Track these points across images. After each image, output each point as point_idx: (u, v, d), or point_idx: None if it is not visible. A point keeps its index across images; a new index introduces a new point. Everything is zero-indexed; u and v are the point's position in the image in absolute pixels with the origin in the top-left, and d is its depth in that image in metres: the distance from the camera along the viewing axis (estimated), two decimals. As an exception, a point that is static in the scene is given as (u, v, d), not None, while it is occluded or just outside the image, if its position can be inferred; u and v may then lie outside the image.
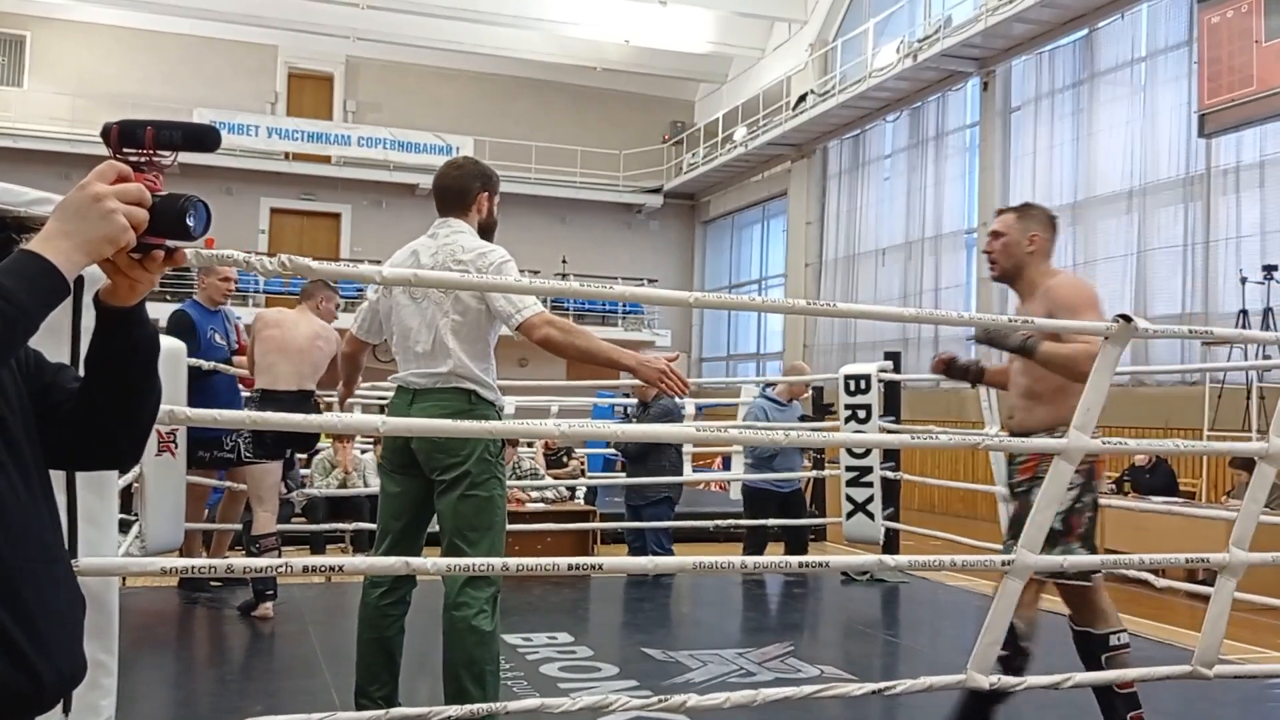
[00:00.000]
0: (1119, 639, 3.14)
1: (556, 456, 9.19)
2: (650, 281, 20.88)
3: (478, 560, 2.81)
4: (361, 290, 13.92)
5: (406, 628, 3.22)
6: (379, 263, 3.20)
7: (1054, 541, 3.04)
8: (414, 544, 3.20)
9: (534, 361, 17.01)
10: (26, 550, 1.23)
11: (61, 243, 1.16)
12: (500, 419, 3.21)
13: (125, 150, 1.30)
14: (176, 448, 4.75)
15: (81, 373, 1.35)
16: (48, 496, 1.29)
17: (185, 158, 1.38)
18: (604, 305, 20.81)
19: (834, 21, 18.96)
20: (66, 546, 1.34)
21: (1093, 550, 3.17)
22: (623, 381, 7.99)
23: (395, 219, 19.42)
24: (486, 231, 3.25)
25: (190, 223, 1.25)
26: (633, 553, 6.62)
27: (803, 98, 18.47)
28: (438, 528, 3.14)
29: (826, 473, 7.55)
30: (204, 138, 1.35)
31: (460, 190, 3.21)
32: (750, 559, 2.80)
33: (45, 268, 1.14)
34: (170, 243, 1.26)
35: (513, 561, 2.84)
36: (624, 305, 20.99)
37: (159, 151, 1.31)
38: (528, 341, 3.01)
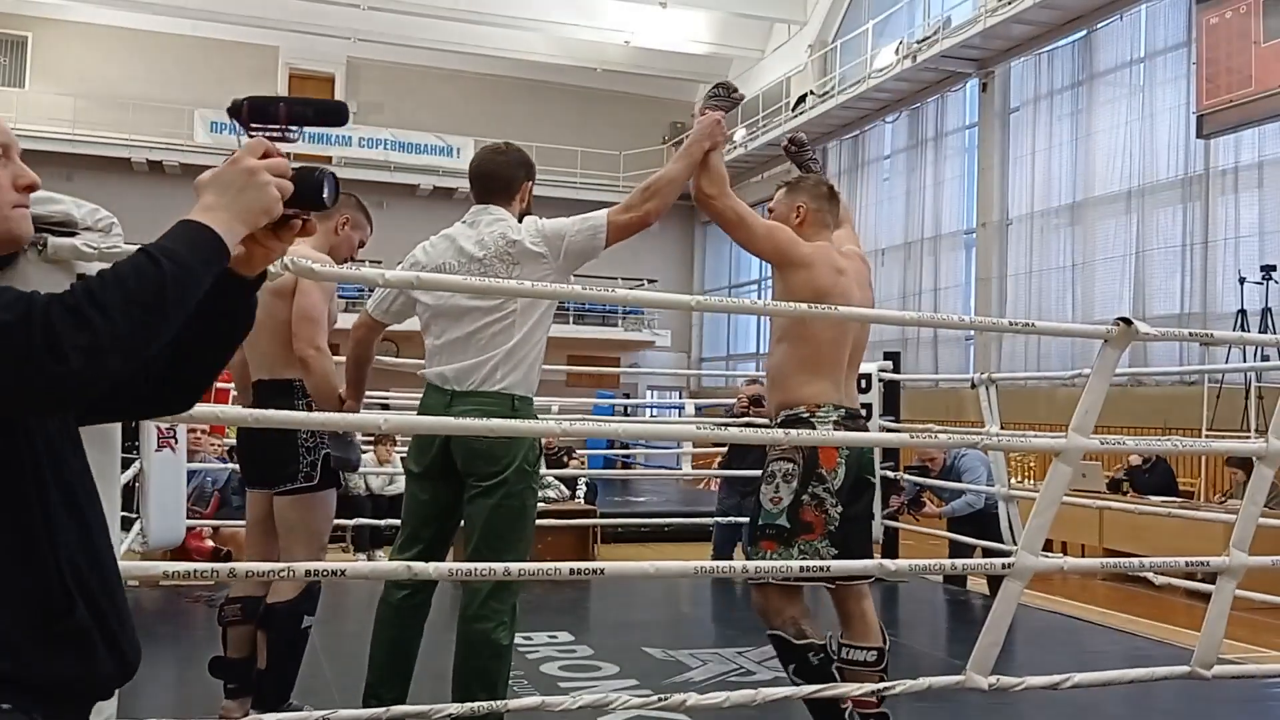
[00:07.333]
0: (867, 655, 2.96)
1: (556, 456, 9.18)
2: (650, 282, 20.87)
3: (480, 565, 2.77)
4: (362, 291, 13.88)
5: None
6: (380, 264, 3.18)
7: (788, 541, 2.90)
8: (441, 551, 3.10)
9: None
10: (107, 538, 1.28)
11: (221, 214, 1.23)
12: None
13: (254, 125, 1.34)
14: (176, 443, 4.74)
15: None
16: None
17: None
18: (604, 305, 20.80)
19: (833, 23, 18.98)
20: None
21: (849, 553, 2.89)
22: (624, 382, 7.99)
23: (396, 220, 19.35)
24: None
25: (325, 194, 1.30)
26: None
27: (802, 99, 18.49)
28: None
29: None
30: (335, 113, 1.39)
31: (507, 178, 3.04)
32: (752, 564, 2.80)
33: (209, 235, 1.20)
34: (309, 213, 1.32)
35: (515, 566, 2.82)
36: (624, 306, 20.96)
37: (289, 127, 1.35)
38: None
